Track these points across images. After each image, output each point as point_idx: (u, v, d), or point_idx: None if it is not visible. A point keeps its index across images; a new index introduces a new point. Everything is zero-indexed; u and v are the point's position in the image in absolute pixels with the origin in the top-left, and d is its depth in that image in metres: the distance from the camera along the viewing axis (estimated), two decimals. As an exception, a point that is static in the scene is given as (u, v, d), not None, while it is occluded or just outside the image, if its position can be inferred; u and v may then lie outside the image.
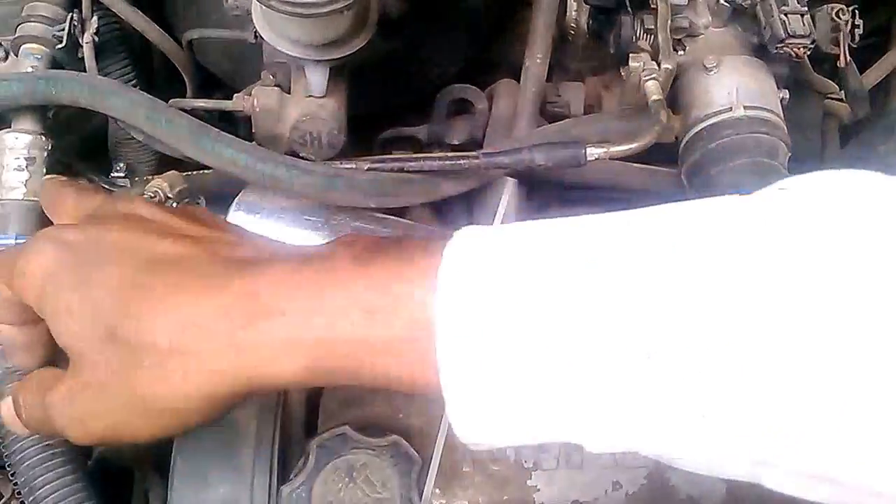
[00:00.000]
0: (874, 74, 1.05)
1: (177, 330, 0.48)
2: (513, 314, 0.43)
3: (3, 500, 0.80)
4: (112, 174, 0.98)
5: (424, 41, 1.11)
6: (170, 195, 0.80)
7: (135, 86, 0.98)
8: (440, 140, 1.17)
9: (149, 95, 0.79)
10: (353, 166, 0.81)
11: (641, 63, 0.88)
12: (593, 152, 0.80)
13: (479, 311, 0.44)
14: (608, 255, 0.43)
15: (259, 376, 0.48)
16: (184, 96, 1.05)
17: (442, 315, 0.44)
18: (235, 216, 0.81)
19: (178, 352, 0.48)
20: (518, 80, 1.17)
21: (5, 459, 0.73)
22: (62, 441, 0.72)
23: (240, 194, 0.83)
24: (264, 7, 0.74)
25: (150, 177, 0.99)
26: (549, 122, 1.05)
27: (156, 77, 1.10)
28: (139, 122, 0.77)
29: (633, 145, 0.81)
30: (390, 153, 1.11)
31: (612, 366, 0.42)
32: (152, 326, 0.48)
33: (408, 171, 0.81)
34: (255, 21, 0.83)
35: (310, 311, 0.47)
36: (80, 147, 1.00)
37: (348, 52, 0.83)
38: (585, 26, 1.08)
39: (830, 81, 1.02)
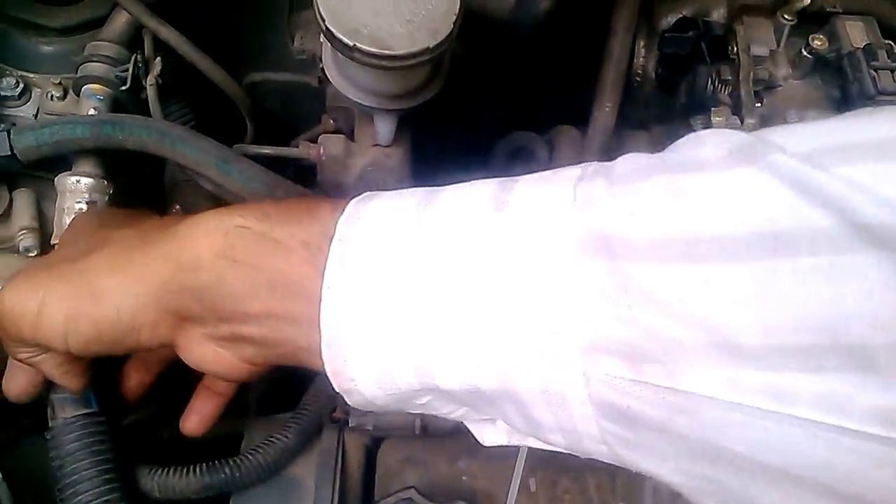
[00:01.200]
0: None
1: (142, 233, 0.60)
2: (389, 265, 0.51)
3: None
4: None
5: (480, 85, 1.08)
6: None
7: (193, 127, 0.96)
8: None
9: (218, 143, 0.76)
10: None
11: (724, 118, 0.85)
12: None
13: (366, 244, 0.52)
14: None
15: (185, 261, 0.54)
16: (233, 137, 1.04)
17: (340, 232, 0.53)
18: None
19: (136, 251, 0.58)
20: (572, 121, 1.16)
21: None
22: (119, 486, 0.71)
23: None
24: (338, 55, 0.71)
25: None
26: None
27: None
28: (209, 171, 0.74)
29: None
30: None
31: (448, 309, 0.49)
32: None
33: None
34: (325, 67, 0.80)
35: (232, 210, 0.56)
36: (137, 188, 0.97)
37: (420, 102, 0.79)
38: (653, 74, 1.06)
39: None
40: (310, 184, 0.89)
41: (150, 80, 0.85)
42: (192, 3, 0.98)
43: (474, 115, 1.09)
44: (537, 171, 1.06)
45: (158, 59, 0.86)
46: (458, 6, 0.68)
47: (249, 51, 0.99)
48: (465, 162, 1.17)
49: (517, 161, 1.11)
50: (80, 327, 0.56)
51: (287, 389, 1.14)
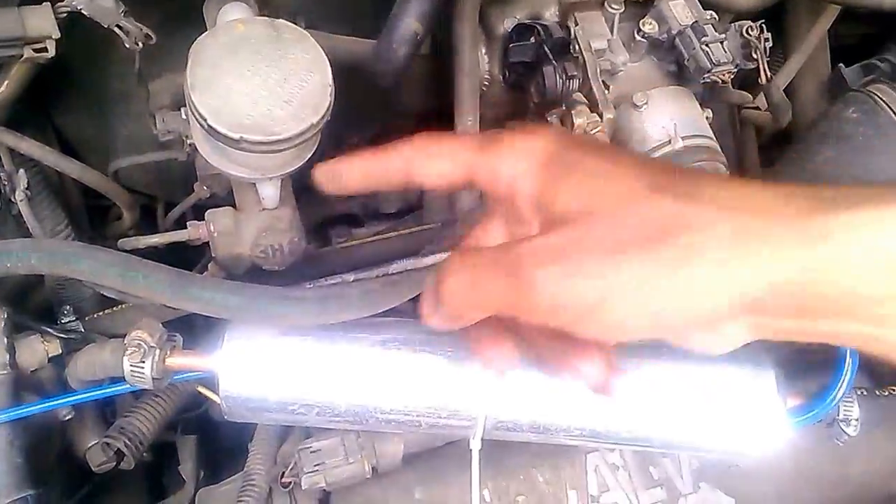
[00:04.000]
0: (778, 81, 1.10)
1: (741, 223, 0.49)
2: None
3: None
4: (61, 320, 0.93)
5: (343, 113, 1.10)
6: (153, 344, 0.77)
7: (67, 226, 0.94)
8: (376, 212, 1.17)
9: (117, 252, 0.75)
10: (339, 281, 0.79)
11: (585, 118, 0.90)
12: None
13: None
14: None
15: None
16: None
17: None
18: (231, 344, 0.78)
19: (739, 244, 0.48)
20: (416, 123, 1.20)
21: None
22: None
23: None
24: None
25: (98, 314, 0.95)
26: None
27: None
28: (111, 281, 0.73)
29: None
30: (328, 233, 1.11)
31: None
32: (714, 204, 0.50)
33: (392, 274, 0.80)
34: (198, 147, 0.80)
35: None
36: (15, 293, 0.95)
37: (302, 163, 0.81)
38: (500, 77, 1.10)
39: (746, 93, 1.07)
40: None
41: (19, 196, 0.83)
42: (46, 103, 0.96)
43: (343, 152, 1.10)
44: (410, 189, 1.10)
45: (22, 171, 0.84)
46: (329, 76, 0.70)
47: (113, 139, 0.97)
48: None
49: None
50: (646, 319, 0.51)
51: (218, 456, 1.15)
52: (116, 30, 0.75)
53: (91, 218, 1.10)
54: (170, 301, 0.74)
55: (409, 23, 0.85)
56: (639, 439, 0.83)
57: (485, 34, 1.07)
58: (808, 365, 0.97)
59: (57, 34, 0.74)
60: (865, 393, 0.89)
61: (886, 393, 0.89)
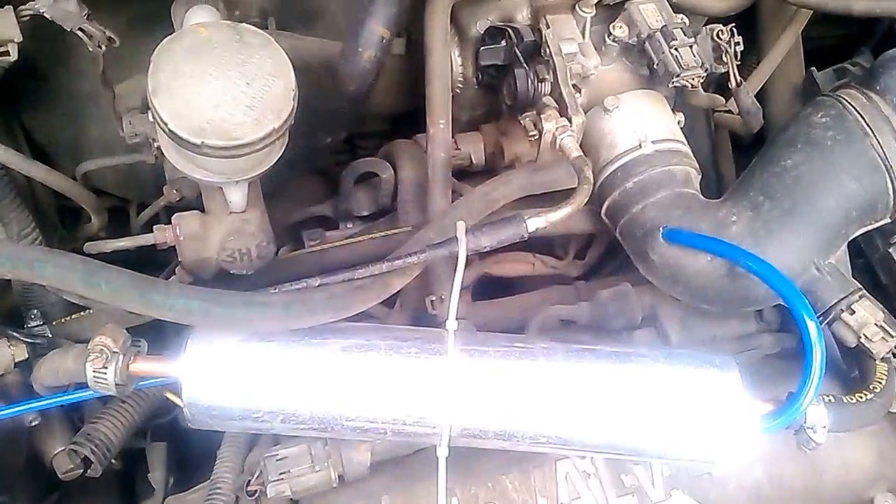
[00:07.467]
0: (751, 85, 1.10)
1: None
2: None
3: None
4: (28, 325, 0.92)
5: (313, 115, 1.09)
6: (116, 350, 0.76)
7: (35, 229, 0.93)
8: (349, 215, 1.16)
9: (81, 258, 0.74)
10: (304, 285, 0.78)
11: (555, 122, 0.90)
12: (534, 223, 0.81)
13: None
14: None
15: None
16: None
17: None
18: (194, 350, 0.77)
19: None
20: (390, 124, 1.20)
21: None
22: None
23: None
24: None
25: (65, 318, 0.94)
26: (452, 175, 1.05)
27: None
28: (75, 287, 0.72)
29: (569, 209, 0.82)
30: (301, 236, 1.10)
31: None
32: None
33: (358, 279, 0.79)
34: (164, 151, 0.79)
35: None
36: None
37: (269, 166, 0.80)
38: (474, 79, 1.09)
39: (717, 96, 1.07)
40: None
41: (-17, 200, 0.82)
42: (15, 106, 0.95)
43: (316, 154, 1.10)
44: (384, 192, 1.10)
45: (-11, 177, 0.83)
46: (293, 81, 0.69)
47: (83, 140, 0.97)
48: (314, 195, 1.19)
49: (364, 185, 1.13)
50: None
51: (190, 461, 1.14)
52: (79, 33, 0.74)
53: (63, 219, 1.10)
54: (132, 307, 0.73)
55: (374, 27, 0.85)
56: (606, 446, 0.82)
57: (457, 36, 1.07)
58: (776, 372, 0.97)
59: (19, 37, 0.73)
60: (833, 400, 0.88)
61: (855, 400, 0.89)
